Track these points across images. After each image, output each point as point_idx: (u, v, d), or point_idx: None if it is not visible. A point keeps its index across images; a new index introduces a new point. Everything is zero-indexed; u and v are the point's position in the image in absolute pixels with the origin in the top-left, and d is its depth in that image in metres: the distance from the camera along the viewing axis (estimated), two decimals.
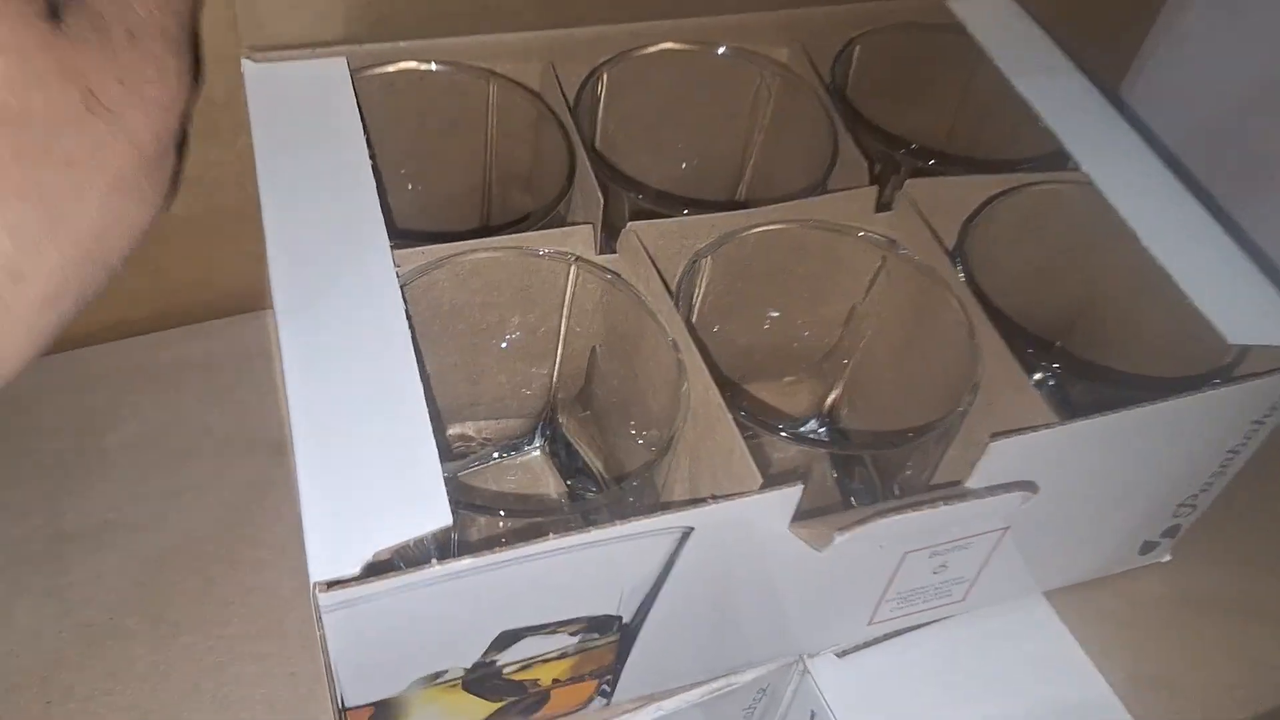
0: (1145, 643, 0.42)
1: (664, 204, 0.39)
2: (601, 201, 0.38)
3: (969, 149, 0.45)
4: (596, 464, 0.41)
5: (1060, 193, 0.41)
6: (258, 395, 0.44)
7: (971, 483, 0.33)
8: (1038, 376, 0.37)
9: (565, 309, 0.38)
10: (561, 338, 0.39)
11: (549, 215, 0.38)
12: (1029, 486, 0.33)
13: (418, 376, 0.31)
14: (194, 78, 0.30)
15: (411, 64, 0.41)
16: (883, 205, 0.40)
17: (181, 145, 0.30)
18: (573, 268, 0.37)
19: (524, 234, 0.36)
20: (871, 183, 0.41)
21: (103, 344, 0.45)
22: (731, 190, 0.49)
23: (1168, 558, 0.45)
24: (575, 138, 0.40)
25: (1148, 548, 0.43)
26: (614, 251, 0.38)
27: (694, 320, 0.38)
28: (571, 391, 0.41)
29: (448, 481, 0.28)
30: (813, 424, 0.45)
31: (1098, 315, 0.43)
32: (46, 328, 0.26)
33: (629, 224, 0.37)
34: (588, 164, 0.39)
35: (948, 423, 0.35)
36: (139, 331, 0.46)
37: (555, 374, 0.40)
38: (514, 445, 0.42)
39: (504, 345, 0.39)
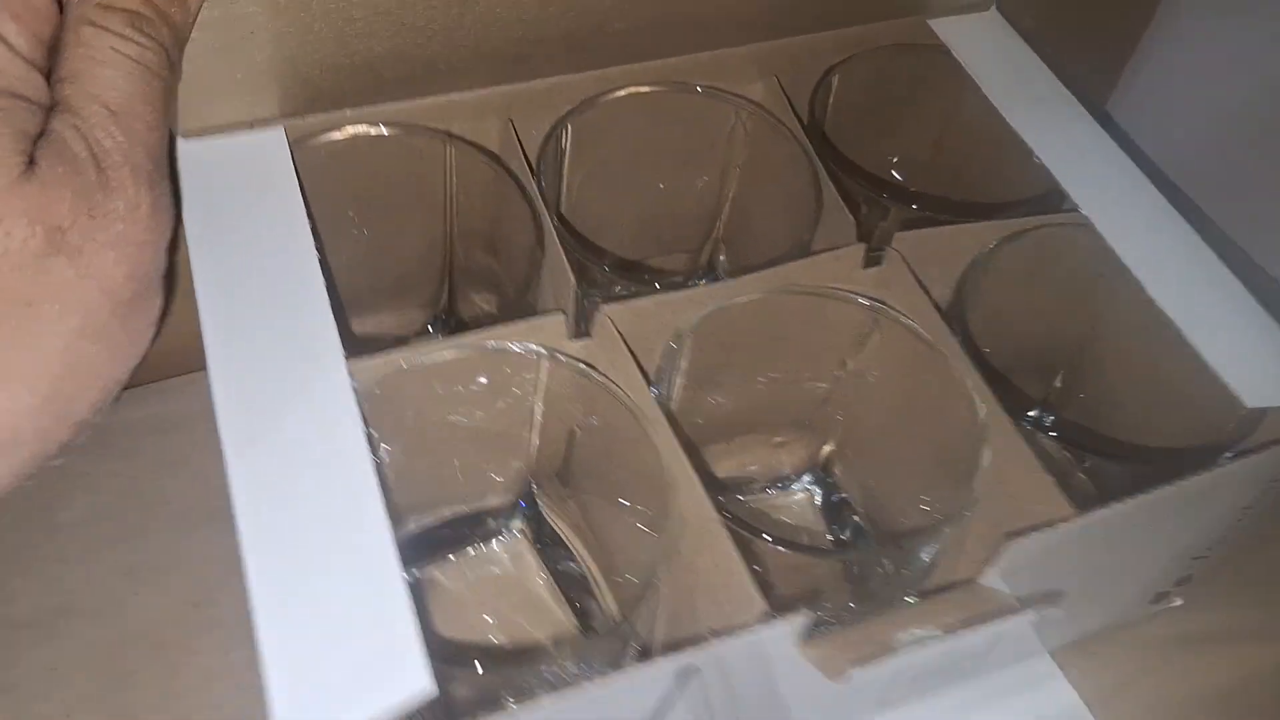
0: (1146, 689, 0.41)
1: (633, 277, 0.37)
2: (573, 283, 0.35)
3: (956, 185, 0.43)
4: (576, 542, 0.39)
5: (1058, 238, 0.39)
6: (217, 459, 0.40)
7: (986, 580, 0.31)
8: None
9: (539, 403, 0.36)
10: (536, 428, 0.37)
11: (520, 303, 0.36)
12: (1053, 598, 0.31)
13: (383, 512, 0.28)
14: (174, 213, 0.29)
15: (360, 129, 0.38)
16: (871, 259, 0.38)
17: (170, 283, 0.29)
18: (545, 363, 0.34)
19: (490, 329, 0.34)
20: (857, 225, 0.39)
21: None
22: (707, 237, 0.46)
23: (1178, 602, 0.43)
24: (540, 209, 0.37)
25: (1160, 598, 0.42)
26: (588, 335, 0.35)
27: (675, 404, 0.36)
28: (549, 469, 0.39)
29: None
30: (806, 479, 0.43)
31: (1101, 371, 0.41)
32: None
33: (602, 308, 0.35)
34: (557, 242, 0.36)
35: (953, 523, 0.32)
36: None
37: (532, 459, 0.38)
38: (492, 532, 0.40)
39: (474, 440, 0.36)
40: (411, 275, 0.43)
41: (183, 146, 0.35)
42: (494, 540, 0.39)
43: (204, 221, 0.33)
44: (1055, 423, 0.41)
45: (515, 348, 0.33)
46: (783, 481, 0.43)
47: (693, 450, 0.32)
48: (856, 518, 0.41)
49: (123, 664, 0.37)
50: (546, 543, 0.39)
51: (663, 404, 0.33)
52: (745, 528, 0.31)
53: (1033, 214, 0.40)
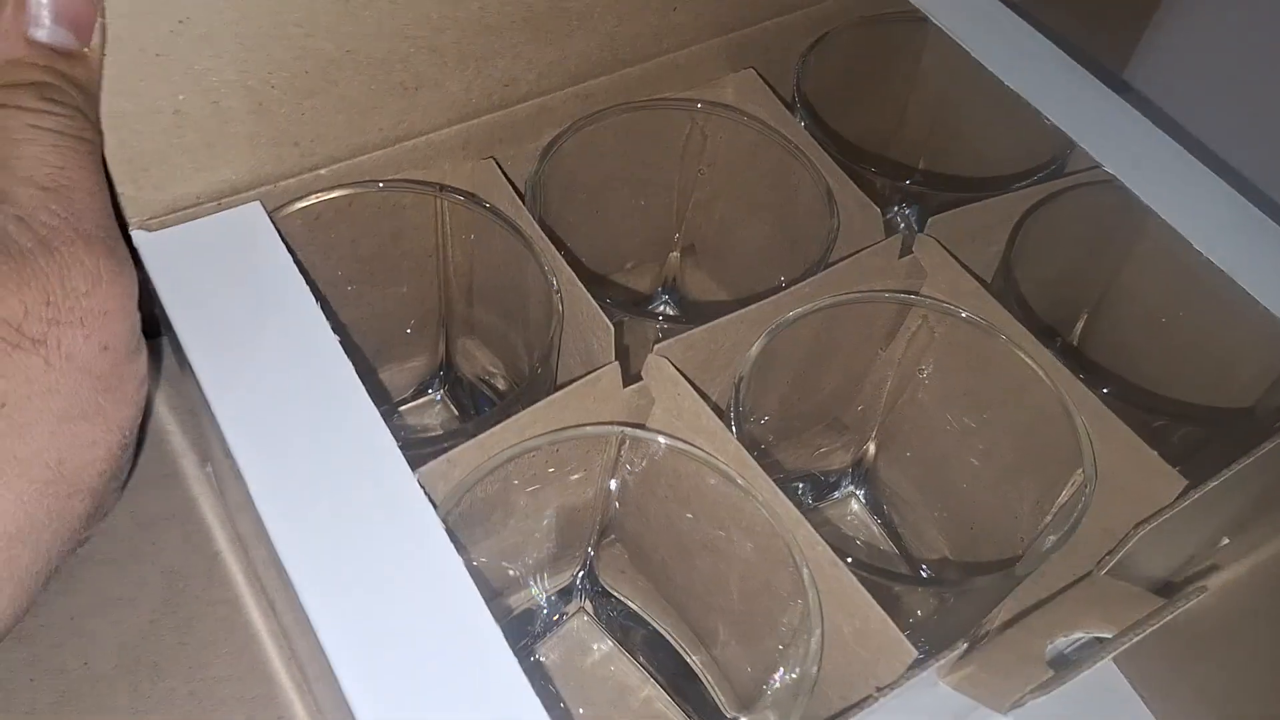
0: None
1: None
2: (611, 328, 0.32)
3: (960, 160, 0.41)
4: (651, 613, 0.36)
5: (1090, 197, 0.38)
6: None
7: (1108, 572, 0.30)
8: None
9: (613, 479, 0.33)
10: (605, 504, 0.34)
11: (543, 367, 0.32)
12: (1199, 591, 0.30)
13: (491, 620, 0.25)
14: (134, 270, 0.27)
15: (341, 191, 0.33)
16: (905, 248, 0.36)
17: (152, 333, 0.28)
18: (622, 444, 0.31)
19: (554, 397, 0.30)
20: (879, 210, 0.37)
21: None
22: (668, 248, 0.44)
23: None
24: (550, 260, 0.34)
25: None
26: (639, 378, 0.32)
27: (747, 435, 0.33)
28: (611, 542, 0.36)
29: None
30: (847, 483, 0.41)
31: (1150, 331, 0.40)
32: (24, 565, 0.25)
33: (655, 348, 0.32)
34: (588, 297, 0.32)
35: (1077, 510, 0.31)
36: None
37: (594, 535, 0.35)
38: (549, 621, 0.37)
39: (546, 524, 0.33)
40: (405, 335, 0.39)
41: (144, 241, 0.31)
42: (554, 628, 0.36)
43: (196, 320, 0.29)
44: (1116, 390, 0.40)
45: (594, 431, 0.30)
46: (825, 489, 0.41)
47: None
48: (897, 518, 0.40)
49: (142, 614, 0.36)
50: (615, 621, 0.36)
51: (746, 443, 0.30)
52: (873, 571, 0.29)
53: (1049, 180, 0.39)
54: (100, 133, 0.28)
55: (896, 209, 0.40)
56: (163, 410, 0.41)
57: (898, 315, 0.36)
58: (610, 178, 0.40)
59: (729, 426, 0.31)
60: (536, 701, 0.24)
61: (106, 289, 0.26)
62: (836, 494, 0.41)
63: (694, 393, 0.31)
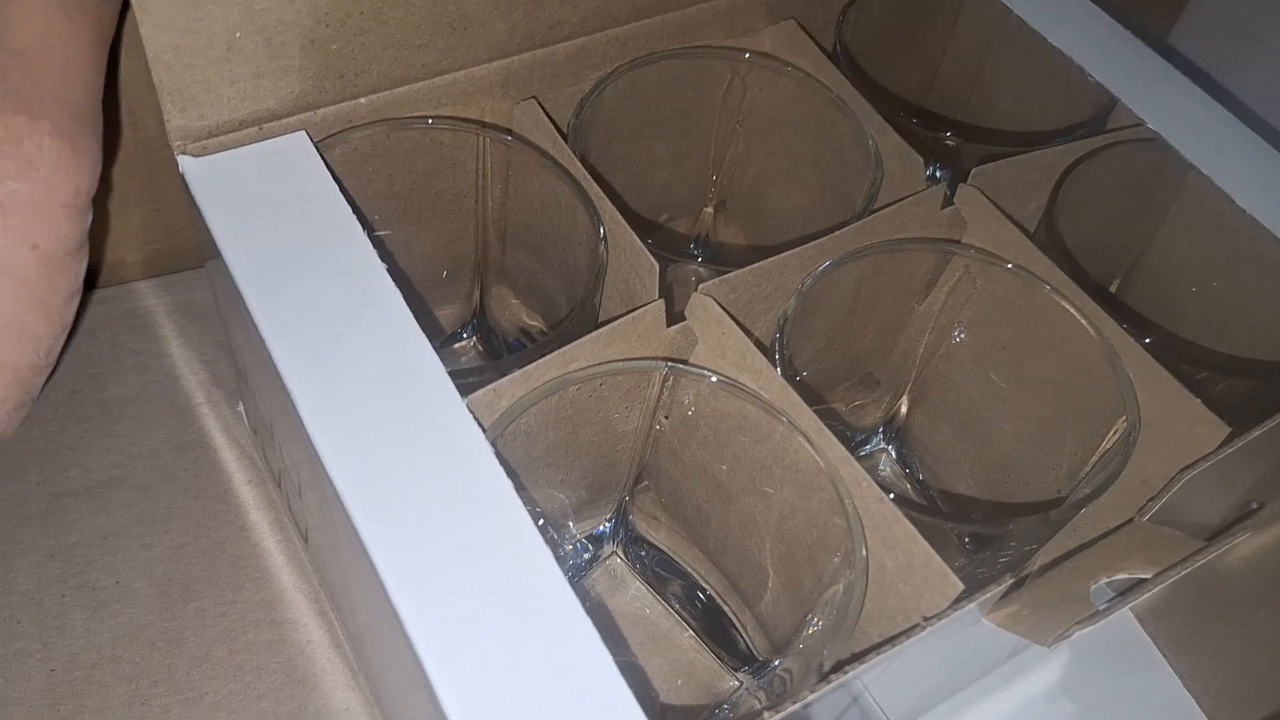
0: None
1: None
2: (656, 266, 0.32)
3: (1000, 114, 0.41)
4: (688, 562, 0.36)
5: (1135, 153, 0.38)
6: None
7: (1152, 517, 0.30)
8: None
9: (658, 416, 0.32)
10: (643, 443, 0.33)
11: (585, 306, 0.32)
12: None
13: (540, 541, 0.25)
14: (98, 168, 0.25)
15: (380, 126, 0.33)
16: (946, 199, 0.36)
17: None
18: (666, 380, 0.31)
19: (598, 333, 0.30)
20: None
21: (99, 289, 0.42)
22: (704, 199, 0.44)
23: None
24: (596, 199, 0.33)
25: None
26: (682, 317, 0.32)
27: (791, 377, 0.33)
28: (645, 483, 0.35)
29: None
30: (878, 439, 0.41)
31: (1192, 286, 0.40)
32: None
33: (700, 287, 0.31)
34: (633, 235, 0.32)
35: (1120, 455, 0.30)
36: (138, 276, 0.43)
37: (630, 476, 0.35)
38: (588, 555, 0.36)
39: (583, 464, 0.33)
40: (440, 278, 0.38)
41: (190, 167, 0.30)
42: (584, 573, 0.36)
43: (244, 246, 0.29)
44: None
45: (640, 365, 0.30)
46: (854, 445, 0.41)
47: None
48: (928, 473, 0.40)
49: (171, 536, 0.36)
50: (648, 566, 0.36)
51: (791, 382, 0.30)
52: (916, 508, 0.28)
53: (1090, 137, 0.38)
54: (118, 13, 0.26)
55: (931, 169, 0.39)
56: (197, 342, 0.41)
57: (939, 265, 0.36)
58: (648, 126, 0.40)
59: (774, 366, 0.31)
60: (589, 622, 0.24)
61: (46, 176, 0.23)
62: (866, 450, 0.41)
63: (739, 331, 0.30)
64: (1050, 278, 0.34)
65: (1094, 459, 0.32)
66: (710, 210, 0.44)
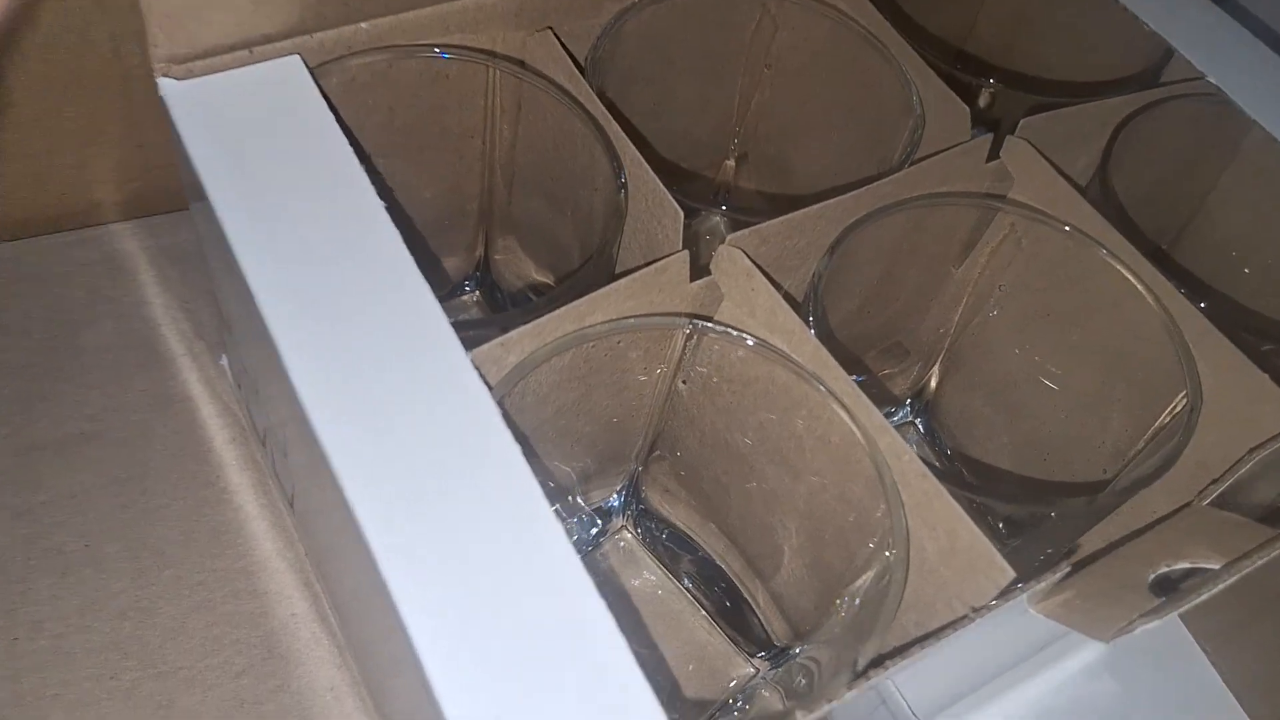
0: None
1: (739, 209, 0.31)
2: (680, 214, 0.29)
3: (1048, 64, 0.38)
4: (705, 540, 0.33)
5: (1191, 109, 0.35)
6: None
7: (1208, 502, 0.27)
8: None
9: (675, 382, 0.30)
10: (661, 405, 0.31)
11: (602, 254, 0.29)
12: None
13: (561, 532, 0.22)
14: None
15: (382, 54, 0.30)
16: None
17: None
18: (689, 339, 0.28)
19: (617, 285, 0.27)
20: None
21: (74, 231, 0.39)
22: (728, 147, 0.41)
23: None
24: (618, 147, 0.30)
25: None
26: (707, 271, 0.29)
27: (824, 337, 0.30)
28: (660, 454, 0.33)
29: None
30: (905, 411, 0.38)
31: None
32: None
33: (728, 238, 0.29)
34: (655, 179, 0.29)
35: (1168, 456, 0.28)
36: (116, 218, 0.40)
37: (644, 445, 0.32)
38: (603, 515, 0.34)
39: (593, 429, 0.30)
40: (440, 224, 0.36)
41: (171, 90, 0.28)
42: (592, 547, 0.33)
43: (228, 180, 0.26)
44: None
45: (661, 322, 0.27)
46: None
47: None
48: (959, 447, 0.37)
49: (147, 497, 0.34)
50: (661, 542, 0.34)
51: (826, 344, 0.27)
52: (958, 483, 0.26)
53: (1143, 89, 0.36)
54: None
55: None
56: (179, 289, 0.38)
57: (981, 223, 0.33)
58: (669, 66, 0.37)
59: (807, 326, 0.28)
60: (603, 605, 0.21)
61: None
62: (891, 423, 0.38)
63: (770, 287, 0.28)
64: (1105, 239, 0.31)
65: (1145, 437, 0.30)
66: (731, 163, 0.41)
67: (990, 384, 0.35)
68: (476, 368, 0.24)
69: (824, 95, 0.38)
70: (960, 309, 0.35)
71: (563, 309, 0.27)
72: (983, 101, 0.36)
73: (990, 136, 0.33)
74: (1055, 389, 0.33)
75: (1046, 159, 0.33)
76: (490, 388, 0.24)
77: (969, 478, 0.36)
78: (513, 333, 0.26)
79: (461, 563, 0.21)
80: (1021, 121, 0.33)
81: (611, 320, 0.27)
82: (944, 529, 0.25)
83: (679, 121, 0.39)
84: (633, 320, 0.27)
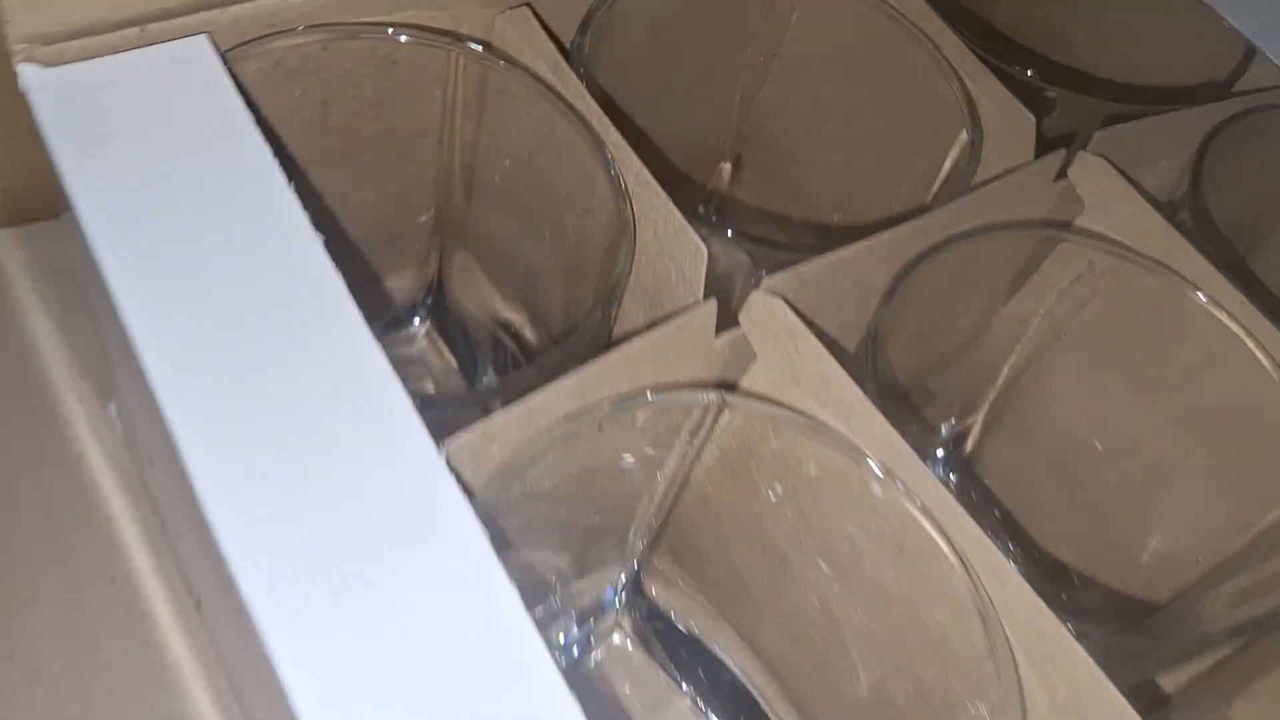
0: None
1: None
2: (704, 253, 0.23)
3: (1123, 68, 0.33)
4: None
5: None
6: None
7: None
8: None
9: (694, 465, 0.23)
10: (668, 492, 0.24)
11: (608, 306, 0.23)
12: None
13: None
14: None
15: (316, 35, 0.24)
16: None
17: None
18: (719, 414, 0.22)
19: (628, 350, 0.21)
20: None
21: None
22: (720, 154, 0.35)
23: None
24: (617, 157, 0.24)
25: None
26: (736, 322, 0.23)
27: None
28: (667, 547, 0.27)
29: None
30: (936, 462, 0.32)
31: None
32: None
33: (764, 283, 0.23)
34: (669, 205, 0.23)
35: None
36: None
37: (649, 535, 0.26)
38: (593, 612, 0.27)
39: (597, 513, 0.24)
40: (384, 241, 0.29)
41: (37, 80, 0.21)
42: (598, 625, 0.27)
43: (106, 195, 0.20)
44: None
45: (684, 400, 0.21)
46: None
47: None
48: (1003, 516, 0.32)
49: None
50: (665, 643, 0.27)
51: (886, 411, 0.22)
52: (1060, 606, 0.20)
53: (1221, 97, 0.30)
54: None
55: None
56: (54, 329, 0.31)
57: (1039, 254, 0.28)
58: (666, 57, 0.31)
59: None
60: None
61: None
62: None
63: (821, 348, 0.22)
64: (1208, 283, 0.26)
65: (1258, 528, 0.25)
66: (728, 167, 0.35)
67: (1050, 444, 0.30)
68: (452, 467, 0.18)
69: (844, 95, 0.32)
70: (1016, 353, 0.29)
71: (561, 383, 0.20)
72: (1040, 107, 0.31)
73: (1060, 154, 0.27)
74: (1139, 457, 0.28)
75: (1129, 179, 0.27)
76: (471, 496, 0.18)
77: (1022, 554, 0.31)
78: (497, 416, 0.19)
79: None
80: (1097, 134, 0.27)
81: (622, 397, 0.21)
82: (1060, 675, 0.19)
83: (673, 117, 0.33)
84: (651, 398, 0.21)
